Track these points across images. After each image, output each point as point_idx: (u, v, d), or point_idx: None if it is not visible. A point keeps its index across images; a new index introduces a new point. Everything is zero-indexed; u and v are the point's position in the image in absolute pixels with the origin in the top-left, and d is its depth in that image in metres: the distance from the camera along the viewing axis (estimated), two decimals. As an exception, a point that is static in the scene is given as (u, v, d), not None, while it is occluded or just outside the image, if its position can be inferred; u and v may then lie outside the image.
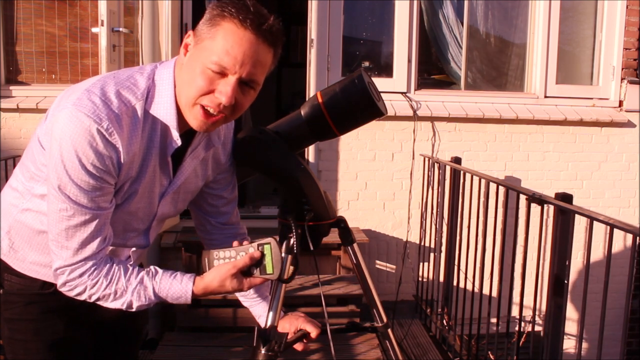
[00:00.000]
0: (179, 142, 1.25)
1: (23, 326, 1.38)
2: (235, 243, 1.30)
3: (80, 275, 1.22)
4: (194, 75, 1.18)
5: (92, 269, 1.22)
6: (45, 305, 1.37)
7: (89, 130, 1.13)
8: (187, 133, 1.29)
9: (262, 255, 1.27)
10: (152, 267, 1.28)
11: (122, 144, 1.17)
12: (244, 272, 1.27)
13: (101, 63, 3.25)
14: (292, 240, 1.40)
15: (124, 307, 1.26)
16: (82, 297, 1.25)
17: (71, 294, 1.25)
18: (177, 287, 1.25)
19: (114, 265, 1.25)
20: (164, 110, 1.22)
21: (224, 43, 1.15)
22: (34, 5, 3.82)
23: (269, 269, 1.27)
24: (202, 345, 3.13)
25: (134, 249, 1.39)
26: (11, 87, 3.80)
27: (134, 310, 1.27)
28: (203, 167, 1.40)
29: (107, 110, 1.15)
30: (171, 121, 1.23)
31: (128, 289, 1.24)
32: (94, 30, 3.65)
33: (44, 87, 3.82)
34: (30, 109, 3.72)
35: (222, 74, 1.16)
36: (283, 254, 1.45)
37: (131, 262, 1.32)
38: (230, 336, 3.21)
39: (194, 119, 1.21)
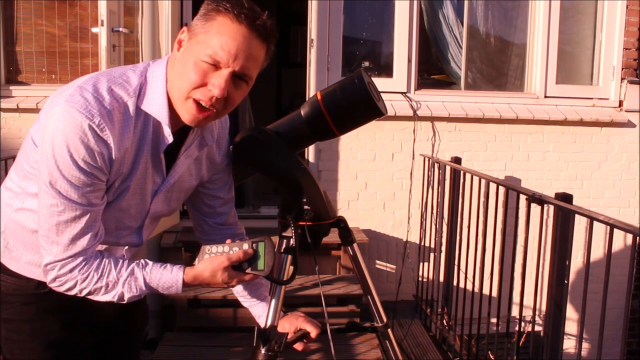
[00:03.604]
0: (170, 138, 1.26)
1: (19, 327, 1.38)
2: (228, 241, 1.31)
3: (71, 271, 1.23)
4: (187, 68, 1.19)
5: (83, 263, 1.23)
6: (42, 305, 1.37)
7: (81, 126, 1.14)
8: (181, 131, 1.29)
9: (256, 252, 1.28)
10: (142, 259, 1.29)
11: (114, 140, 1.18)
12: (235, 267, 1.28)
13: (101, 63, 3.25)
14: (291, 241, 1.40)
15: (115, 300, 1.26)
16: (73, 292, 1.26)
17: (61, 289, 1.26)
18: (167, 276, 1.26)
19: (104, 259, 1.25)
20: (155, 107, 1.23)
21: (218, 36, 1.16)
22: (34, 5, 3.82)
23: (260, 266, 1.28)
24: (202, 345, 3.12)
25: (127, 247, 1.39)
26: (11, 87, 3.80)
27: (125, 302, 1.27)
28: (197, 166, 1.40)
29: (98, 106, 1.16)
30: (163, 117, 1.23)
31: (119, 282, 1.25)
32: (94, 30, 3.66)
33: (44, 87, 3.82)
34: (30, 109, 3.72)
35: (216, 66, 1.18)
36: (283, 254, 1.45)
37: (122, 256, 1.32)
38: (230, 336, 3.21)
39: (187, 113, 1.22)
